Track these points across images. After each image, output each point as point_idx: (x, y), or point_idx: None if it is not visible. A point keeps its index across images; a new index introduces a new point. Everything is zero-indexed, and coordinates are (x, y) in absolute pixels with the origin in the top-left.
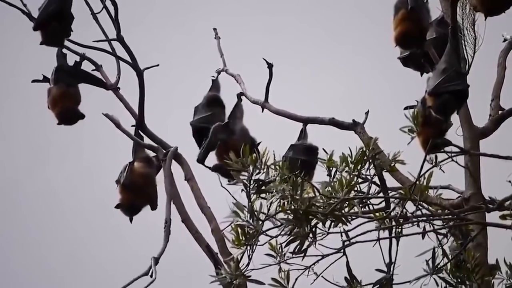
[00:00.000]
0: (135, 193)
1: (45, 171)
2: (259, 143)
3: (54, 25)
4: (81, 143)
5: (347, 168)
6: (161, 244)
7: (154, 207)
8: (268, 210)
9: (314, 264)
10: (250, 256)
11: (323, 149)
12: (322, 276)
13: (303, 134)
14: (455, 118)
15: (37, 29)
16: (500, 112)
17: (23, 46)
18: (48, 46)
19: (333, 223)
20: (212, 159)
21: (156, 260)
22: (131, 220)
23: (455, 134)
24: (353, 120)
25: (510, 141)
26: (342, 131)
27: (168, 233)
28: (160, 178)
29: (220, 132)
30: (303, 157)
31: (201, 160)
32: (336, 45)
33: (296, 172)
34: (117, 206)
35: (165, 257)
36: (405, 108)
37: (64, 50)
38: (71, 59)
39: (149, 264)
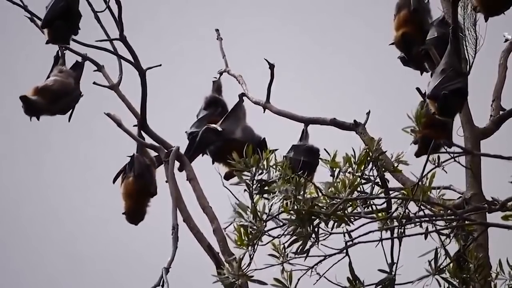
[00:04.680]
0: (147, 201)
1: (44, 171)
2: (264, 139)
3: (61, 23)
4: (81, 142)
5: (350, 169)
6: (165, 248)
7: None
8: (270, 210)
9: (316, 264)
10: (252, 256)
11: (325, 149)
12: (324, 277)
13: (304, 134)
14: (456, 118)
15: (45, 27)
16: (501, 112)
17: (24, 46)
18: (55, 44)
19: (335, 224)
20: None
21: (167, 270)
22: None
23: (456, 134)
24: (354, 121)
25: (511, 141)
26: (343, 132)
27: (176, 239)
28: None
29: (211, 135)
30: (304, 158)
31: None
32: (337, 46)
33: (299, 173)
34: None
35: (166, 257)
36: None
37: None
38: (73, 59)
39: (160, 274)
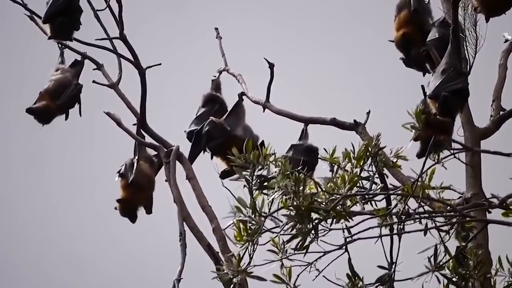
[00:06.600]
0: (138, 193)
1: (44, 170)
2: (262, 142)
3: (63, 19)
4: (81, 141)
5: (349, 164)
6: (165, 247)
7: (149, 211)
8: (270, 206)
9: (316, 260)
10: (252, 252)
11: (324, 149)
12: (323, 275)
13: (304, 134)
14: (456, 118)
15: (46, 22)
16: (501, 112)
17: (23, 44)
18: (56, 40)
19: (335, 220)
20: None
21: (178, 281)
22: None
23: (456, 134)
24: (355, 121)
25: (511, 141)
26: (343, 132)
27: (184, 246)
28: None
29: (215, 130)
30: (303, 157)
31: (191, 159)
32: (337, 45)
33: (299, 169)
34: (118, 201)
35: (167, 257)
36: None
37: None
38: (73, 57)
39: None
